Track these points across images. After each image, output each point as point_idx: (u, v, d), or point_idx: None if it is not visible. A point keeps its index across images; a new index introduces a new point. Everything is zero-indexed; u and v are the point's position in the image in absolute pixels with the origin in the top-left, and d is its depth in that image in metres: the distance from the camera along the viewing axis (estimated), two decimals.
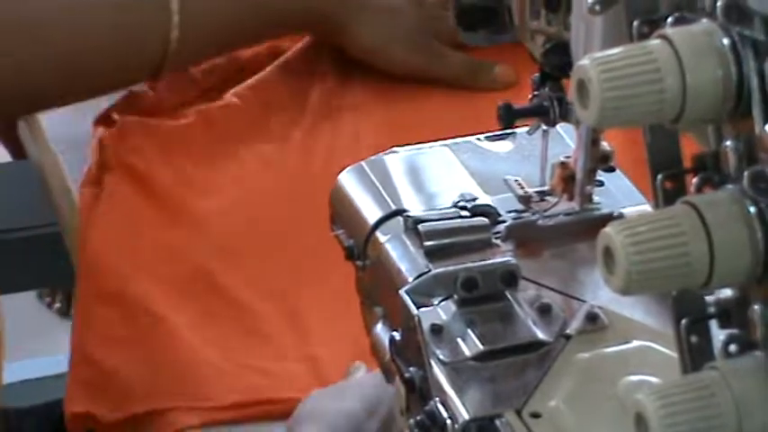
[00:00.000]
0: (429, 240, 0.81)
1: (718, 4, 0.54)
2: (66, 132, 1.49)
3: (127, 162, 1.41)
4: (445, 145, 0.90)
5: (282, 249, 1.29)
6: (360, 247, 0.85)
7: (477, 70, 1.41)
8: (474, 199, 0.84)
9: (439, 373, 0.75)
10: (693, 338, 0.58)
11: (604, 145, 0.81)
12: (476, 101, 1.40)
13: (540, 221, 0.82)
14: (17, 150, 1.60)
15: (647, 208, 0.73)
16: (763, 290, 0.55)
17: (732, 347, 0.57)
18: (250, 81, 1.49)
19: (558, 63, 0.78)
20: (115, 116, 1.46)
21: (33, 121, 1.52)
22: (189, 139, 1.42)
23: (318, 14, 1.44)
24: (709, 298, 0.58)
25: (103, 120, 1.46)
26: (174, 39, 1.38)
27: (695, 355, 0.58)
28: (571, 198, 0.82)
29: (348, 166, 0.94)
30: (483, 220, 0.82)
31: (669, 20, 0.56)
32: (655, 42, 0.54)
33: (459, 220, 0.83)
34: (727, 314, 0.57)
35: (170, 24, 1.37)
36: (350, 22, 1.42)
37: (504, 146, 0.89)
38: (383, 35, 1.43)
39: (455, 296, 0.78)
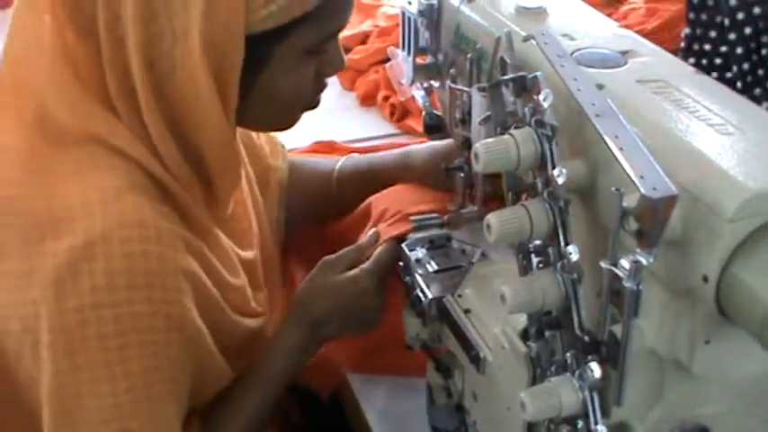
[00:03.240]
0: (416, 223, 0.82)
1: (533, 119, 0.53)
2: None
3: None
4: None
5: None
6: None
7: None
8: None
9: (419, 278, 0.76)
10: (524, 261, 0.57)
11: (486, 183, 0.79)
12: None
13: (462, 216, 0.82)
14: None
15: None
16: (557, 251, 0.53)
17: (540, 265, 0.55)
18: None
19: (467, 147, 0.76)
20: None
21: None
22: None
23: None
24: (530, 245, 0.56)
25: None
26: None
27: (524, 268, 0.57)
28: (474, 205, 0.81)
29: None
30: (437, 217, 0.82)
31: (512, 127, 0.55)
32: (506, 137, 0.54)
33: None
34: (539, 252, 0.55)
35: None
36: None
37: None
38: None
39: (426, 246, 0.79)
